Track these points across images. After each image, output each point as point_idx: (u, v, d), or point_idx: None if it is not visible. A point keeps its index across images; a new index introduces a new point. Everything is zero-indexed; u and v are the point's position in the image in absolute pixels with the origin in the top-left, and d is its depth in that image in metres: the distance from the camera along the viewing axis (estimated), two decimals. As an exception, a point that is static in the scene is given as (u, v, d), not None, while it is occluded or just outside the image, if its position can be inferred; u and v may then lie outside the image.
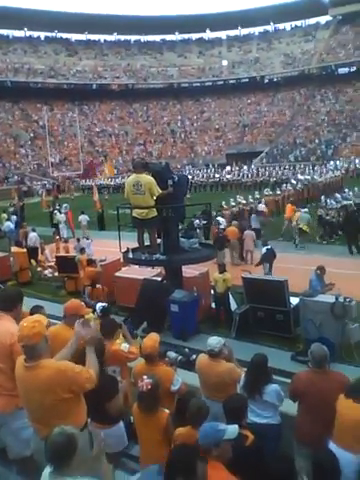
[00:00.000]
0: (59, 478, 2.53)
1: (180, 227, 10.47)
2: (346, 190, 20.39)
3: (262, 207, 19.28)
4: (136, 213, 8.16)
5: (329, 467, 2.86)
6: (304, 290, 8.79)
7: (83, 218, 21.09)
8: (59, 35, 73.66)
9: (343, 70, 63.26)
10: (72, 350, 3.33)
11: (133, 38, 77.07)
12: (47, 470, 2.64)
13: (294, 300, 8.88)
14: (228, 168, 42.58)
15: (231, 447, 2.88)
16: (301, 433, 4.18)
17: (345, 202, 18.01)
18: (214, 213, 16.76)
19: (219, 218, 16.93)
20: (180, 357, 4.78)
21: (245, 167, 43.03)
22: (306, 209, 17.65)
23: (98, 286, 10.85)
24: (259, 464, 3.12)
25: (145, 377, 3.45)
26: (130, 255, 8.98)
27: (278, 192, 24.07)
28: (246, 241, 14.77)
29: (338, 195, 19.21)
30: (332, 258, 13.62)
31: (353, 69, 62.19)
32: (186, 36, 77.90)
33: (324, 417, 3.78)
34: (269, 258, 12.18)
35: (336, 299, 8.01)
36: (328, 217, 16.75)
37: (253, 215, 17.97)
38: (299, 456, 4.01)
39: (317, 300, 8.21)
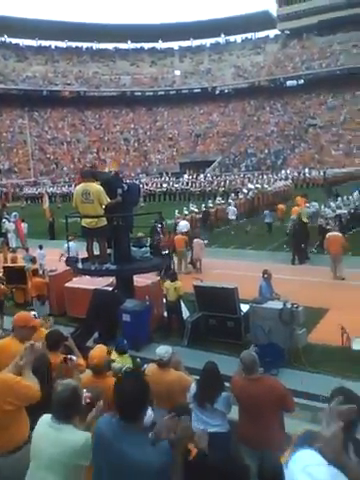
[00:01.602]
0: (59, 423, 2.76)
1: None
2: (339, 198, 20.55)
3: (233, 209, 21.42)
4: (85, 222, 8.04)
5: (271, 470, 2.89)
6: (254, 297, 8.97)
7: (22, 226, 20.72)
8: (8, 40, 72.05)
9: (291, 83, 65.56)
10: (16, 369, 3.34)
11: (85, 45, 76.61)
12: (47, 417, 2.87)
13: (244, 307, 9.03)
14: (186, 176, 42.84)
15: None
16: (241, 436, 4.25)
17: (339, 211, 17.92)
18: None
19: (181, 222, 17.49)
20: (125, 367, 4.73)
21: (201, 176, 43.51)
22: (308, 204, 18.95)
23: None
24: (206, 475, 3.10)
25: (84, 390, 3.38)
26: (79, 265, 8.82)
27: (230, 201, 24.52)
28: (195, 249, 14.92)
29: (333, 204, 18.93)
30: (280, 265, 14.01)
31: (300, 82, 64.60)
32: (138, 45, 78.28)
33: (258, 421, 3.84)
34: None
35: (284, 305, 8.22)
36: (329, 226, 15.94)
37: (266, 211, 20.87)
38: (248, 458, 4.04)
39: (266, 307, 8.38)
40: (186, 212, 20.58)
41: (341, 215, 17.82)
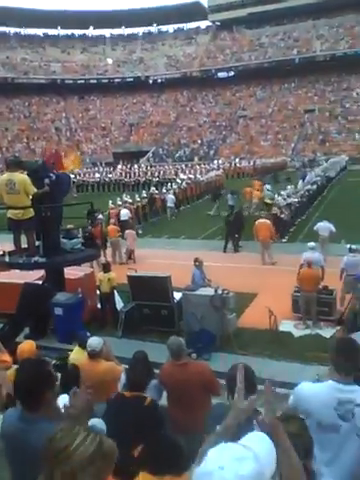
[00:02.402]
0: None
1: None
2: (289, 186, 20.69)
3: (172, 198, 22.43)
4: (11, 214, 7.74)
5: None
6: (187, 285, 9.13)
7: None
8: None
9: (222, 74, 66.65)
10: None
11: (12, 30, 73.03)
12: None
13: (177, 295, 9.17)
14: (119, 167, 42.26)
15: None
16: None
17: (290, 200, 18.18)
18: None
19: (123, 211, 18.05)
20: (54, 361, 4.66)
21: (136, 166, 43.16)
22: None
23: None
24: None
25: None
26: (6, 259, 8.49)
27: (164, 191, 24.63)
28: (128, 240, 14.89)
29: (283, 192, 19.13)
30: (213, 253, 14.34)
31: (231, 74, 65.85)
32: (69, 32, 75.88)
33: (186, 406, 3.95)
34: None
35: (215, 292, 8.44)
36: (283, 216, 16.54)
37: (229, 195, 21.24)
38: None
39: (198, 294, 8.57)
40: (130, 200, 20.82)
41: (292, 203, 18.23)
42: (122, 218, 17.71)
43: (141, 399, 3.69)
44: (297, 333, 8.58)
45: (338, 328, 8.35)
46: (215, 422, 1.81)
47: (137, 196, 22.46)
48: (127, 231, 15.10)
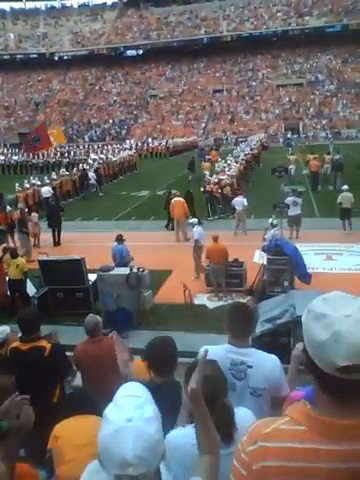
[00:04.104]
0: None
1: None
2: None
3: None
4: None
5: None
6: (101, 265, 8.97)
7: None
8: None
9: (131, 52, 65.57)
10: None
11: None
12: None
13: (92, 276, 9.04)
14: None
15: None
16: None
17: (221, 176, 17.88)
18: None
19: (43, 188, 18.83)
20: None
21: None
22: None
23: None
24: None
25: None
26: None
27: (74, 172, 23.91)
28: (33, 224, 14.06)
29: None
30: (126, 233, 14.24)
31: (140, 52, 64.99)
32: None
33: (100, 383, 3.93)
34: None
35: (130, 270, 8.43)
36: (217, 195, 16.57)
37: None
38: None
39: (113, 273, 8.50)
40: (55, 177, 21.94)
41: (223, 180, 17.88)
42: (45, 195, 18.29)
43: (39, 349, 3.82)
44: (211, 305, 8.88)
45: (248, 298, 8.76)
46: None
47: (33, 179, 21.03)
48: (32, 214, 14.36)
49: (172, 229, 14.63)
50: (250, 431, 1.25)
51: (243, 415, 2.06)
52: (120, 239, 9.78)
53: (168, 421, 1.79)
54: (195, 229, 10.65)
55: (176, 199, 14.36)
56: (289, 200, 12.58)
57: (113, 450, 1.22)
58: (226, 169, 19.32)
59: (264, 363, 2.65)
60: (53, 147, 32.12)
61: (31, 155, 34.27)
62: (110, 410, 1.31)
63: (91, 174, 23.64)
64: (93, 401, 3.05)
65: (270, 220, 10.27)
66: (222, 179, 17.31)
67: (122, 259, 9.36)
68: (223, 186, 16.82)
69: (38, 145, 25.53)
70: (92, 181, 23.34)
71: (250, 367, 2.62)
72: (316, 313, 1.15)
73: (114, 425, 1.24)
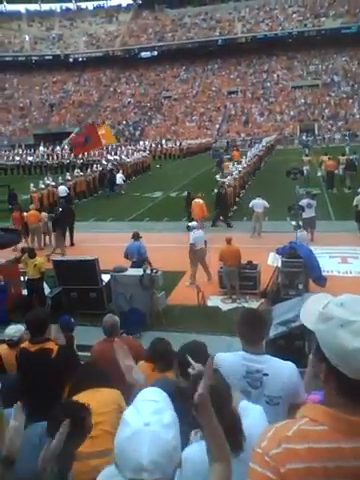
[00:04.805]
0: None
1: None
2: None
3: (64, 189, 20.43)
4: None
5: None
6: (115, 266, 8.99)
7: None
8: None
9: (145, 54, 65.78)
10: None
11: None
12: None
13: (106, 277, 9.06)
14: (41, 148, 40.48)
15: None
16: None
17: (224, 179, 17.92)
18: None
19: (60, 187, 19.22)
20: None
21: (58, 148, 41.57)
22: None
23: None
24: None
25: None
26: None
27: (89, 173, 24.06)
28: (43, 224, 14.12)
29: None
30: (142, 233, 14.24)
31: (154, 54, 65.16)
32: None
33: (117, 382, 3.92)
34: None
35: (144, 271, 8.44)
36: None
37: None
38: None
39: (126, 274, 8.52)
40: (69, 177, 22.01)
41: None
42: (61, 194, 18.99)
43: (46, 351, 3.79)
44: (224, 307, 8.84)
45: (262, 301, 8.70)
46: None
47: (48, 180, 21.15)
48: (42, 214, 14.42)
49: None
50: (271, 434, 1.23)
51: (250, 423, 2.02)
52: (137, 236, 9.82)
53: (189, 425, 1.77)
54: (192, 233, 10.40)
55: (196, 200, 14.47)
56: (304, 202, 12.45)
57: (129, 453, 1.21)
58: (234, 171, 19.35)
59: (281, 370, 2.59)
60: (103, 146, 32.25)
61: (45, 156, 34.54)
62: (129, 413, 1.31)
63: (119, 175, 24.07)
64: (105, 374, 3.09)
65: (293, 222, 10.06)
66: (224, 181, 17.45)
67: (140, 256, 9.41)
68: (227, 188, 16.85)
69: (87, 145, 25.93)
70: (120, 181, 23.78)
71: (266, 375, 2.56)
72: (340, 320, 1.13)
73: (131, 428, 1.24)
